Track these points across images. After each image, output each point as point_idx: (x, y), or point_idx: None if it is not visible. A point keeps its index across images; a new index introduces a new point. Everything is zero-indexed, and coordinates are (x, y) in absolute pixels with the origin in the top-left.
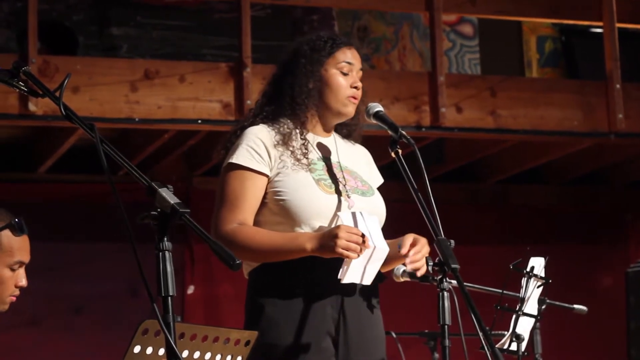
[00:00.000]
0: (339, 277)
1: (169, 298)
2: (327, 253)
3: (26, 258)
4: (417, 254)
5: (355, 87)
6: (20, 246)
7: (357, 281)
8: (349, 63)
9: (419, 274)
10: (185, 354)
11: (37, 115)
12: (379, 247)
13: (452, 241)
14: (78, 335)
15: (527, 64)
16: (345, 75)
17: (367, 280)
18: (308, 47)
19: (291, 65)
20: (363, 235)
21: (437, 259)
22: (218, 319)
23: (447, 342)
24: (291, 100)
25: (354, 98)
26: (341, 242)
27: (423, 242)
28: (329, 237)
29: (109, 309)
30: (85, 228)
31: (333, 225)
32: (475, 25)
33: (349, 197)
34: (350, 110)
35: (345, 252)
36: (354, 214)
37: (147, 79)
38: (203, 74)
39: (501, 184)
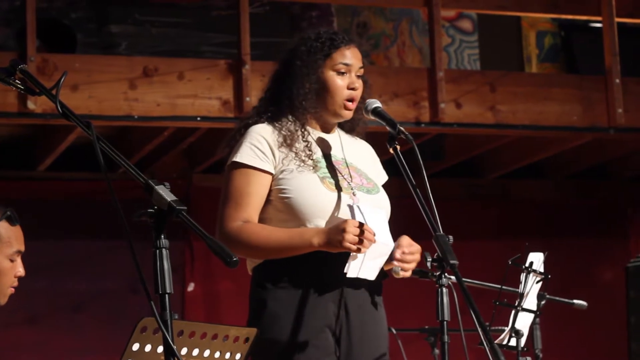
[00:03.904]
0: (344, 271)
1: (166, 295)
2: (334, 248)
3: (23, 247)
4: (407, 256)
5: (352, 88)
6: (17, 236)
7: (362, 276)
8: (346, 64)
9: (402, 274)
10: (184, 351)
11: (36, 114)
12: (384, 242)
13: (451, 237)
14: (78, 333)
15: (526, 59)
16: (342, 75)
17: (371, 276)
18: (305, 49)
19: (288, 67)
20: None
21: (435, 254)
22: (218, 316)
23: (446, 338)
24: (289, 103)
25: (351, 102)
26: (348, 237)
27: (417, 248)
28: (336, 231)
29: (109, 306)
30: (85, 226)
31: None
32: (474, 21)
33: (354, 195)
34: (347, 113)
35: (353, 247)
36: (351, 207)
37: (145, 76)
38: (202, 71)
39: (501, 179)
